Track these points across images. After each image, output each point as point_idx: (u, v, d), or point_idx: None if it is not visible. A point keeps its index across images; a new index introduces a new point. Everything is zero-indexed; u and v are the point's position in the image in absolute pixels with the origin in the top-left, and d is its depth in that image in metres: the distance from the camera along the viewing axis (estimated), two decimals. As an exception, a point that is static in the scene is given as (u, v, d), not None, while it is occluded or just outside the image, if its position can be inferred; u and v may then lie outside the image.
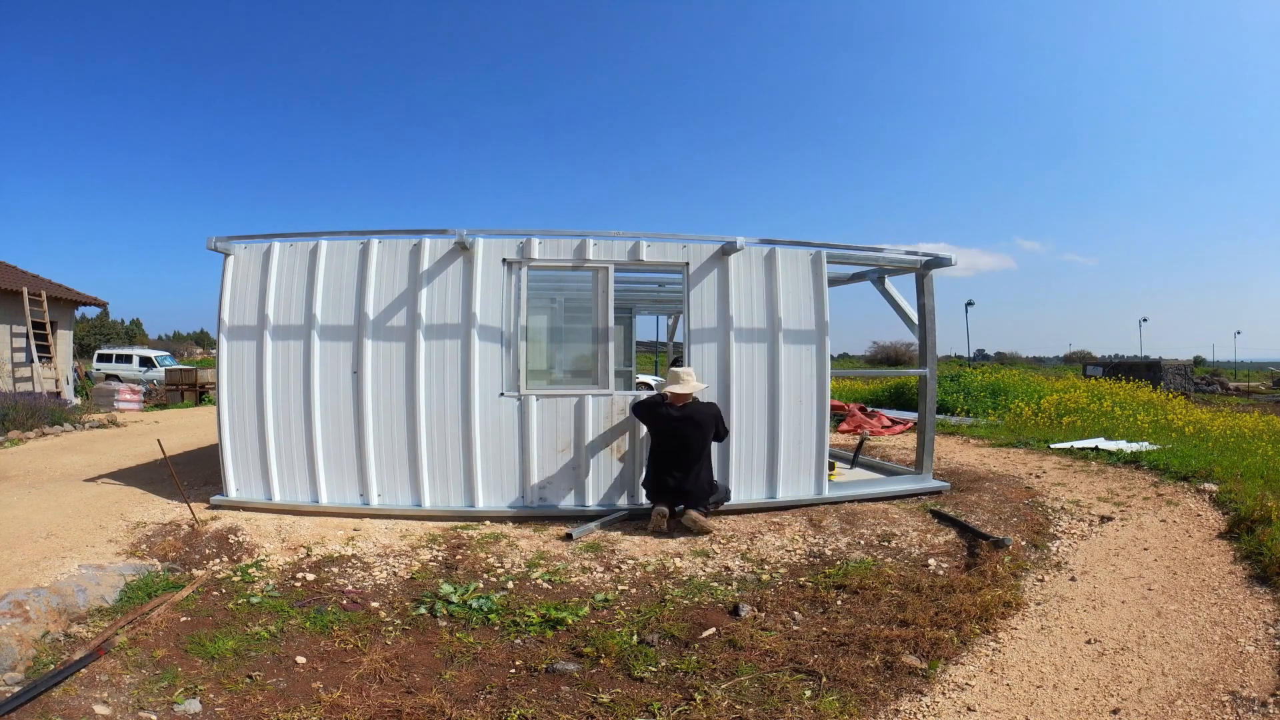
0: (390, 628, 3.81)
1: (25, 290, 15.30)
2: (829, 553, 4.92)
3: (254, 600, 4.09)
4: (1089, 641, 3.56)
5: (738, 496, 6.00)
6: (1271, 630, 3.50)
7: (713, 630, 3.72)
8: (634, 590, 4.35)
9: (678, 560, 4.82)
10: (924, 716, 2.95)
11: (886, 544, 5.06)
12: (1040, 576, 4.45)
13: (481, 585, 4.37)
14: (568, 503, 5.87)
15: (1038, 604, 4.03)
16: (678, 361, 7.10)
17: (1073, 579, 4.39)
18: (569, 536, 5.26)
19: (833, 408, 9.15)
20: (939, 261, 6.71)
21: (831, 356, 6.39)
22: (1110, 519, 5.50)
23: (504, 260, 5.89)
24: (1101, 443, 8.55)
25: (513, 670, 3.37)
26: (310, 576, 4.47)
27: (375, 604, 4.10)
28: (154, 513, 5.58)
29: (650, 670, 3.31)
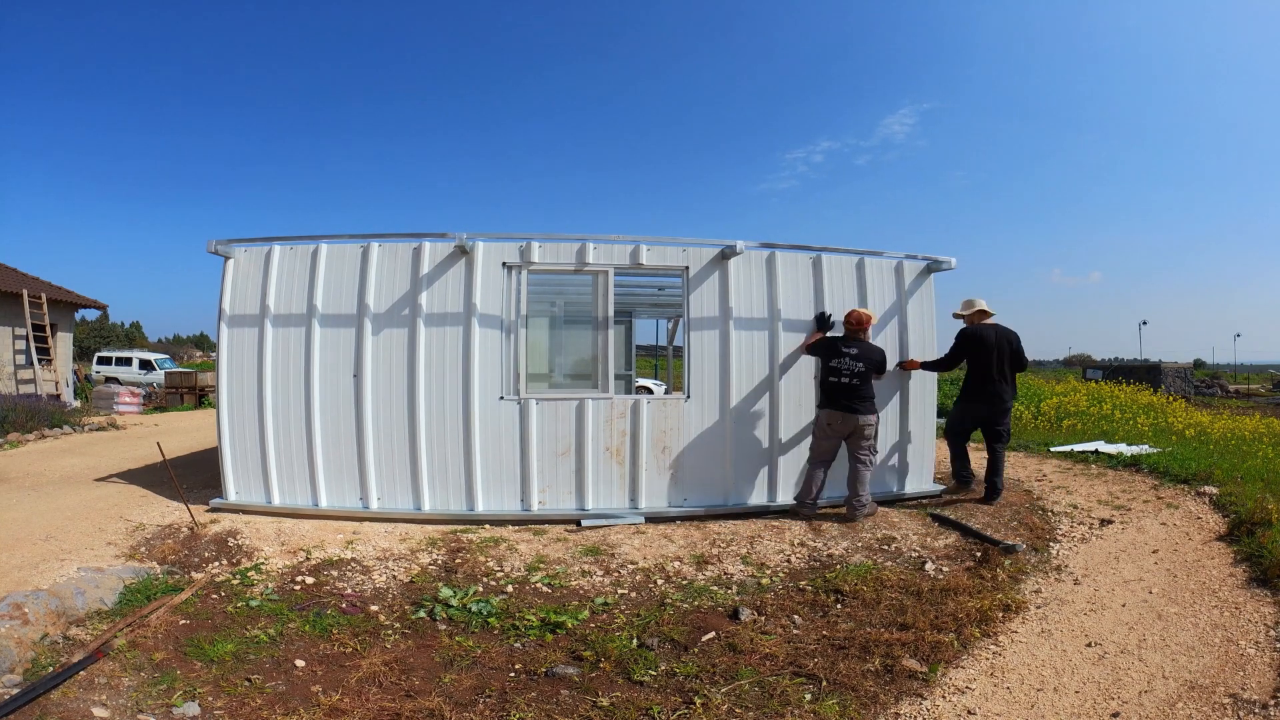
0: (389, 631, 3.81)
1: (25, 293, 15.32)
2: (829, 556, 4.92)
3: (253, 603, 4.08)
4: (1089, 644, 3.55)
5: (738, 500, 6.00)
6: (1272, 633, 3.49)
7: (712, 634, 3.72)
8: (634, 594, 4.35)
9: (677, 564, 4.82)
10: (924, 720, 2.94)
11: (886, 548, 5.05)
12: (1040, 580, 4.44)
13: (481, 589, 4.37)
14: (568, 506, 5.87)
15: (1038, 607, 4.03)
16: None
17: (1075, 582, 4.38)
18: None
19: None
20: (938, 264, 6.71)
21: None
22: (1110, 522, 5.49)
23: (504, 264, 5.89)
24: (1101, 446, 8.54)
25: (512, 674, 3.37)
26: (309, 580, 4.46)
27: (374, 607, 4.10)
28: (153, 515, 5.58)
29: (650, 674, 3.31)
